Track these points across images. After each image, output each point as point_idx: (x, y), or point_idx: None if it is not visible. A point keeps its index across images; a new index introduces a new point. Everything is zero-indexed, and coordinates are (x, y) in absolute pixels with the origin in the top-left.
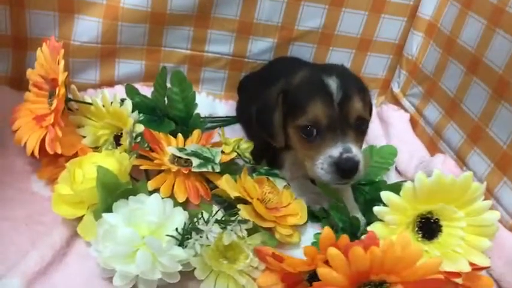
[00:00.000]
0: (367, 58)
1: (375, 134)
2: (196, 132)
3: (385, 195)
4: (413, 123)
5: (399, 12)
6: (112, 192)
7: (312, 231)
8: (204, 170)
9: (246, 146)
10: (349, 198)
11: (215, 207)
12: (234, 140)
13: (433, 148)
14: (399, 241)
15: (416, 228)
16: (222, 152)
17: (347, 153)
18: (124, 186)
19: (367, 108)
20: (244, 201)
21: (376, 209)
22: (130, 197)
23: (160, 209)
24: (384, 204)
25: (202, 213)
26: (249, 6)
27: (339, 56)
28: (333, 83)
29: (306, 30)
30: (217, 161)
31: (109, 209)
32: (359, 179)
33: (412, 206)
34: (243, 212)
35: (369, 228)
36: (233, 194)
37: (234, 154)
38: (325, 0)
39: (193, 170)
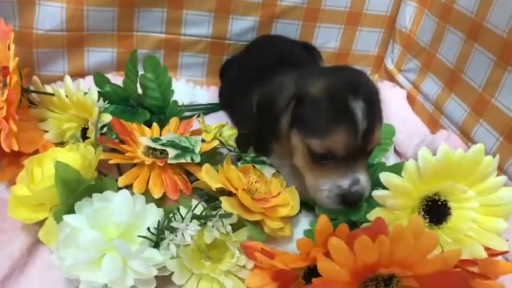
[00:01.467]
0: (357, 34)
1: None
2: (173, 120)
3: (385, 176)
4: (411, 100)
5: None
6: (74, 191)
7: (306, 222)
8: (182, 161)
9: (230, 133)
10: None
11: (194, 202)
12: (216, 127)
13: (434, 125)
14: (411, 228)
15: (423, 212)
16: (203, 140)
17: (355, 185)
18: (87, 183)
19: None
20: (229, 193)
21: (376, 192)
22: (95, 195)
23: (129, 207)
24: (384, 188)
25: (178, 209)
26: None
27: (327, 33)
28: (359, 110)
29: (290, 6)
30: (197, 150)
31: (71, 210)
32: None
33: (416, 187)
34: (226, 204)
35: (368, 216)
36: (214, 185)
37: (216, 142)
38: None
39: (169, 161)
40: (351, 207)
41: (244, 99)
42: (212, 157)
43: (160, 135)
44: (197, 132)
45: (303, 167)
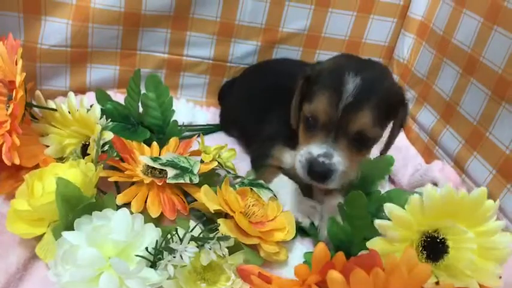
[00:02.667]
0: None
1: None
2: (173, 140)
3: (388, 207)
4: (407, 129)
5: (389, 13)
6: (74, 207)
7: (300, 247)
8: (181, 181)
9: (228, 154)
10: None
11: (193, 223)
12: (215, 148)
13: (428, 155)
14: (405, 260)
15: (421, 248)
16: (201, 161)
17: (325, 157)
18: (87, 200)
19: (379, 126)
20: (225, 216)
21: (378, 222)
22: (94, 213)
23: (128, 226)
24: (378, 218)
25: (176, 230)
26: (231, 7)
27: None
28: (350, 84)
29: (291, 32)
30: (195, 171)
31: (70, 227)
32: (334, 187)
33: (417, 221)
34: (223, 227)
35: (368, 244)
36: (212, 207)
37: (215, 163)
38: (310, 0)
39: (168, 181)
40: (317, 181)
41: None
42: (210, 178)
43: (159, 155)
44: (196, 153)
45: (300, 139)
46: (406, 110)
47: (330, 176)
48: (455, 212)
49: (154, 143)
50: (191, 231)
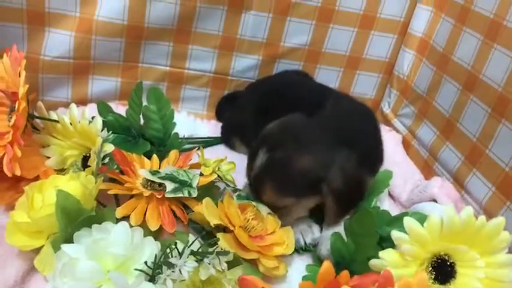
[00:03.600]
0: (356, 77)
1: None
2: (173, 153)
3: (408, 222)
4: (406, 144)
5: (389, 29)
6: (73, 220)
7: (299, 261)
8: (180, 195)
9: (228, 167)
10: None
11: (191, 237)
12: (215, 161)
13: (428, 171)
14: (416, 282)
15: (430, 268)
16: (201, 174)
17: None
18: (87, 212)
19: (287, 196)
20: (224, 229)
21: (396, 233)
22: (94, 226)
23: (127, 240)
24: (381, 241)
25: (176, 244)
26: (233, 21)
27: (326, 75)
28: (259, 159)
29: (292, 47)
30: (194, 184)
31: (70, 239)
32: None
33: (433, 240)
34: (223, 241)
35: (380, 253)
36: (213, 221)
37: (214, 176)
38: (312, 15)
39: (167, 195)
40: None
41: None
42: (209, 191)
43: (159, 167)
44: (196, 166)
45: None
46: (332, 185)
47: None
48: (470, 237)
49: (155, 156)
50: (190, 245)
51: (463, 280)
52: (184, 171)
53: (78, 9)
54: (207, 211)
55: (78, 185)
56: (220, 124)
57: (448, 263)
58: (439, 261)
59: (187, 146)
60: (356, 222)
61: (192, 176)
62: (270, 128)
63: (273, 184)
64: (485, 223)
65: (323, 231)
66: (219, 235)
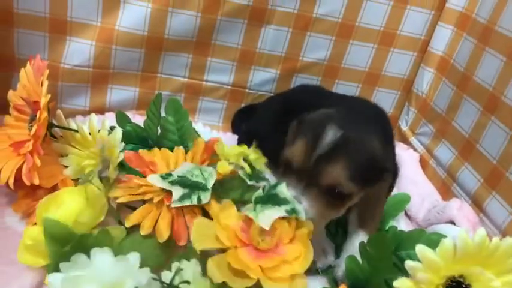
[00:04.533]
0: (374, 93)
1: None
2: (199, 142)
3: (420, 249)
4: (424, 163)
5: (409, 47)
6: (62, 247)
7: (314, 284)
8: (188, 203)
9: (256, 156)
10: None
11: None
12: (238, 153)
13: (445, 191)
14: None
15: None
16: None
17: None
18: (76, 237)
19: (355, 183)
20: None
21: (410, 263)
22: (72, 258)
23: (109, 275)
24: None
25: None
26: (252, 35)
27: (345, 90)
28: (328, 136)
29: (310, 62)
30: (209, 185)
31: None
32: None
33: (447, 265)
34: (212, 267)
35: (395, 284)
36: (200, 246)
37: (231, 168)
38: (332, 31)
39: (173, 205)
40: None
41: None
42: (226, 183)
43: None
44: (214, 161)
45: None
46: (390, 176)
47: None
48: (485, 258)
49: (179, 149)
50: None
51: None
52: (200, 169)
53: (99, 19)
54: (196, 233)
55: (82, 200)
56: (236, 136)
57: (464, 286)
58: (454, 284)
59: None
60: (371, 245)
61: (208, 175)
62: (326, 112)
63: (346, 165)
64: (499, 244)
65: (343, 253)
66: (209, 261)
